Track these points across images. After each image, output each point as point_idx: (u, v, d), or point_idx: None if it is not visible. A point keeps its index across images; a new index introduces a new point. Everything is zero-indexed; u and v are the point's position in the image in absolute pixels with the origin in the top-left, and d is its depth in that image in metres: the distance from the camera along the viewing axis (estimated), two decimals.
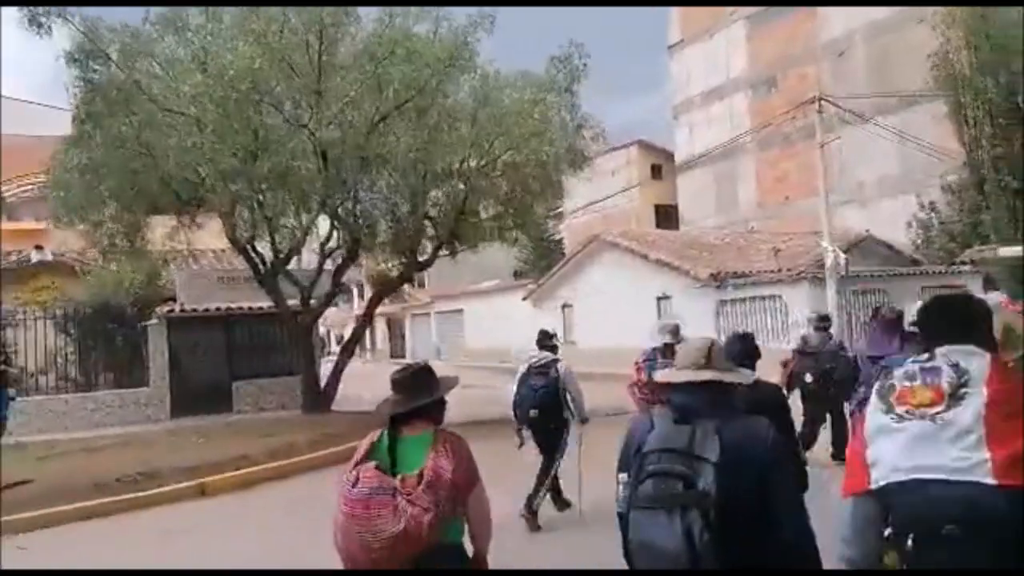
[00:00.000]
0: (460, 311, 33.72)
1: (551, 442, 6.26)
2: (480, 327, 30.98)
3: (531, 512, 6.12)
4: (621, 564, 2.22)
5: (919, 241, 23.07)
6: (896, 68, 24.06)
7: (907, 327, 4.61)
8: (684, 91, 35.37)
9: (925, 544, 1.75)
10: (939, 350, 1.98)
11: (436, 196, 14.02)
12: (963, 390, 1.86)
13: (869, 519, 1.89)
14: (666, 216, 36.06)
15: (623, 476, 2.18)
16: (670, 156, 36.61)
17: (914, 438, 1.84)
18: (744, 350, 3.62)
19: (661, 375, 2.41)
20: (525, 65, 13.28)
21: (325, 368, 15.16)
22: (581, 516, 6.26)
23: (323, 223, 14.06)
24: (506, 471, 5.61)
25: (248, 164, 10.79)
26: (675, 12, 36.08)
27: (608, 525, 2.39)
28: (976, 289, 20.27)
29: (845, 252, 17.57)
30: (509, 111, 12.55)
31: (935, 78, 20.58)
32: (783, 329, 18.70)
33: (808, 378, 7.19)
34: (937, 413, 1.84)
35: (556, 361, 6.34)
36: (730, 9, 32.64)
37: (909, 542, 1.77)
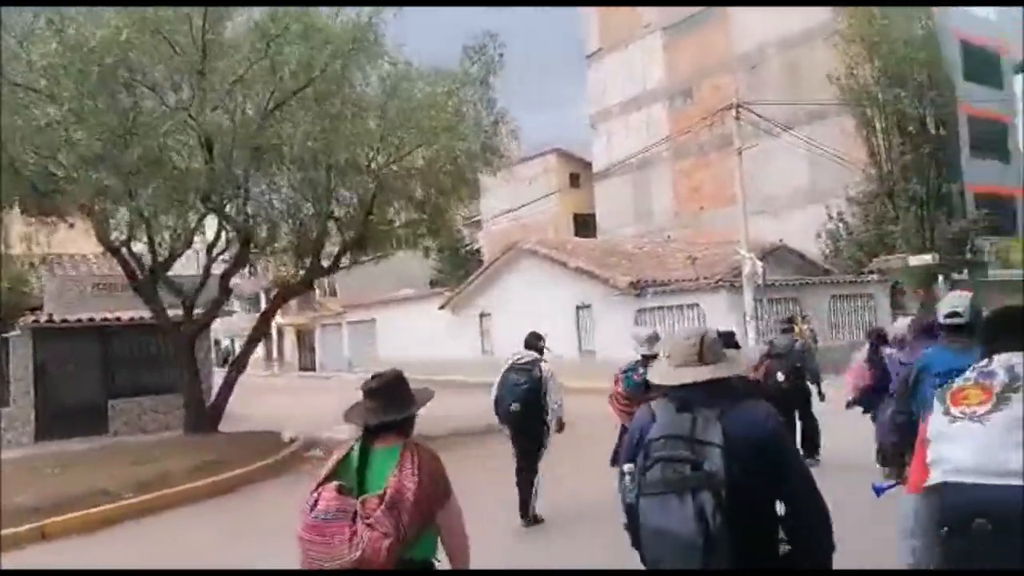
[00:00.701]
0: (373, 321, 32.29)
1: (530, 443, 6.39)
2: (394, 338, 29.70)
3: (529, 517, 6.38)
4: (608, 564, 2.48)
5: (828, 251, 23.60)
6: (806, 82, 24.59)
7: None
8: (602, 100, 35.38)
9: (955, 536, 1.91)
10: (998, 356, 2.09)
11: (343, 196, 12.92)
12: (1012, 393, 1.98)
13: (930, 515, 2.02)
14: (584, 225, 35.92)
15: (628, 467, 2.17)
16: (588, 165, 36.55)
17: (964, 439, 1.98)
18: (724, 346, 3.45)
19: (656, 375, 2.38)
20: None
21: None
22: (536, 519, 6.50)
23: (213, 223, 12.67)
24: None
25: (118, 149, 9.39)
26: (593, 22, 36.11)
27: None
28: (883, 298, 20.89)
29: (761, 260, 17.56)
30: (421, 104, 11.65)
31: (841, 91, 21.07)
32: None
33: (780, 377, 7.57)
34: (985, 413, 1.99)
35: (539, 361, 6.43)
36: (646, 20, 32.87)
37: (943, 532, 1.93)
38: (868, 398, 6.93)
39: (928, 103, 19.69)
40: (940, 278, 17.02)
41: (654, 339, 6.37)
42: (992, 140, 26.73)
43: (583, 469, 7.83)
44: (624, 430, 5.92)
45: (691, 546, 1.95)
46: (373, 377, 2.63)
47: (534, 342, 6.63)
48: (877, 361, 6.86)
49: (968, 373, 2.12)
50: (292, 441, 11.61)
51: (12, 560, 6.64)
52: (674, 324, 19.11)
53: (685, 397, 2.21)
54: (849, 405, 7.24)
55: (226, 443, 11.12)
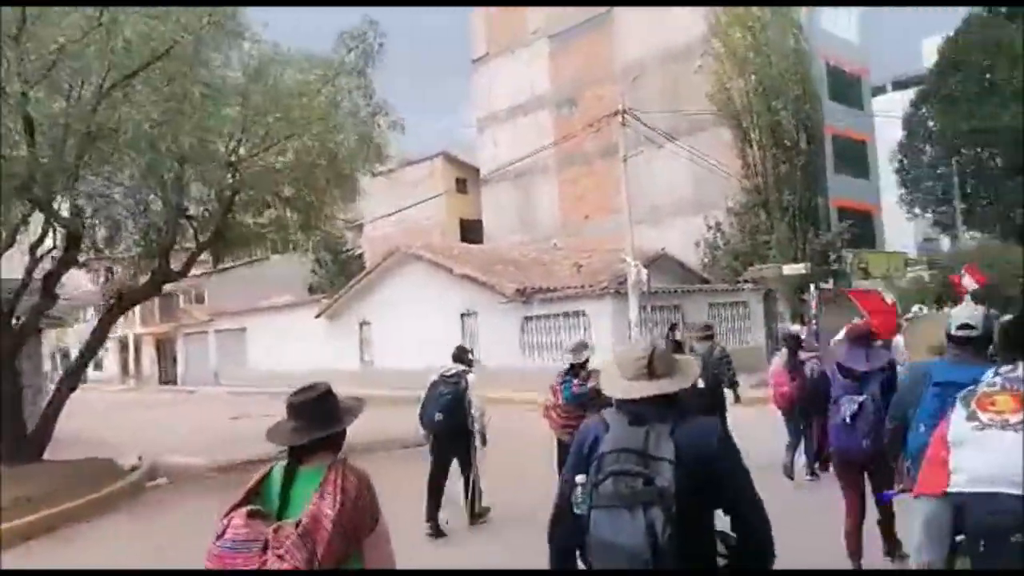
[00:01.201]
0: (243, 330, 30.13)
1: (456, 452, 6.51)
2: (266, 348, 27.80)
3: (475, 516, 6.62)
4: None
5: (706, 260, 24.23)
6: (687, 96, 25.17)
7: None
8: (489, 105, 35.02)
9: (994, 550, 1.91)
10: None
11: (199, 192, 11.56)
12: None
13: (942, 521, 2.02)
14: (471, 231, 35.38)
15: (581, 478, 2.19)
16: (476, 170, 36.05)
17: (994, 448, 1.95)
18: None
19: (610, 388, 2.37)
20: None
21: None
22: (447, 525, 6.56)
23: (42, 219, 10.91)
24: None
25: None
26: (480, 26, 35.73)
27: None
28: (757, 305, 21.62)
29: (646, 268, 17.60)
30: (290, 91, 10.57)
31: (716, 104, 21.69)
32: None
33: (700, 384, 7.60)
34: (1019, 422, 1.96)
35: (466, 373, 6.60)
36: (533, 26, 32.85)
37: (980, 547, 1.93)
38: (798, 405, 7.21)
39: (803, 116, 20.57)
40: (812, 287, 17.75)
41: (582, 347, 6.50)
42: (853, 158, 28.61)
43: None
44: (560, 444, 6.17)
45: (639, 559, 2.00)
46: (297, 392, 2.42)
47: (461, 355, 6.86)
48: (797, 365, 7.32)
49: (992, 378, 2.08)
50: (132, 469, 10.13)
51: None
52: (560, 332, 18.92)
53: (638, 410, 2.23)
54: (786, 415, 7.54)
55: (49, 474, 9.49)
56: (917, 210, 32.39)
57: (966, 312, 3.50)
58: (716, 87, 21.26)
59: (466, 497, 6.60)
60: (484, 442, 6.56)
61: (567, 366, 6.40)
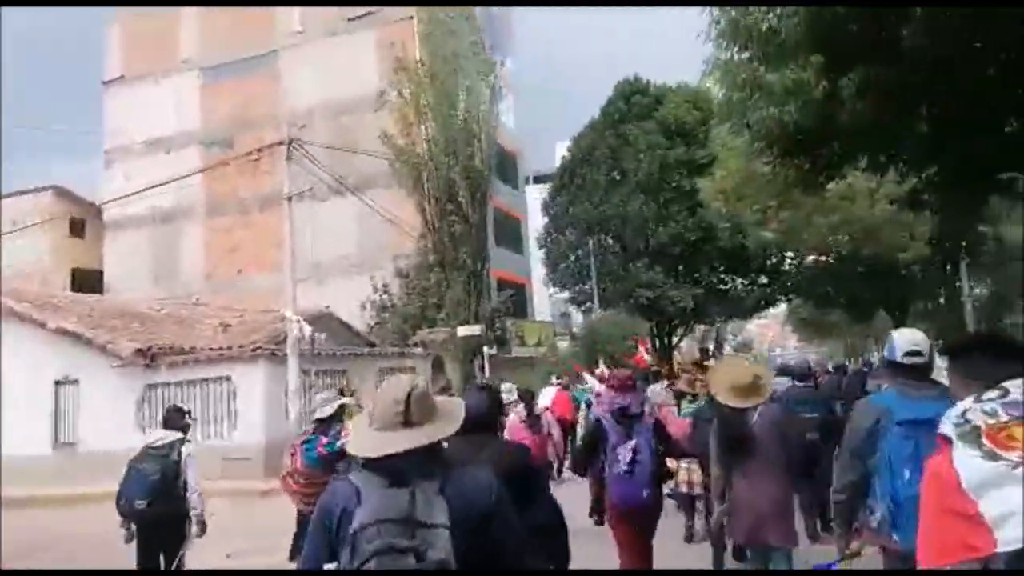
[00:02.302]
0: None
1: (167, 540, 5.38)
2: None
3: None
4: None
5: (373, 323, 22.69)
6: (357, 151, 23.86)
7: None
8: (122, 136, 29.52)
9: None
10: (1008, 384, 1.74)
11: None
12: None
13: None
14: (89, 283, 28.82)
15: (330, 566, 1.79)
16: (100, 211, 29.80)
17: None
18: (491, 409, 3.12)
19: (354, 445, 1.96)
20: None
21: None
22: None
23: None
24: None
25: None
26: (115, 42, 30.39)
27: None
28: (426, 369, 20.54)
29: (311, 326, 15.26)
30: None
31: (395, 151, 20.74)
32: (231, 417, 15.05)
33: None
34: None
35: (181, 443, 5.51)
36: (184, 54, 28.94)
37: None
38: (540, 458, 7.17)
39: (476, 176, 20.51)
40: (485, 349, 17.24)
41: (331, 399, 5.60)
42: (510, 233, 30.22)
43: None
44: (303, 517, 5.16)
45: None
46: None
47: (177, 419, 5.74)
48: (535, 420, 7.48)
49: (986, 407, 1.70)
50: None
51: None
52: (196, 402, 15.31)
53: (396, 467, 1.84)
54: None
55: None
56: (557, 288, 35.49)
57: (910, 337, 3.18)
58: (400, 128, 20.22)
59: None
60: (204, 530, 5.48)
61: (313, 423, 5.39)
